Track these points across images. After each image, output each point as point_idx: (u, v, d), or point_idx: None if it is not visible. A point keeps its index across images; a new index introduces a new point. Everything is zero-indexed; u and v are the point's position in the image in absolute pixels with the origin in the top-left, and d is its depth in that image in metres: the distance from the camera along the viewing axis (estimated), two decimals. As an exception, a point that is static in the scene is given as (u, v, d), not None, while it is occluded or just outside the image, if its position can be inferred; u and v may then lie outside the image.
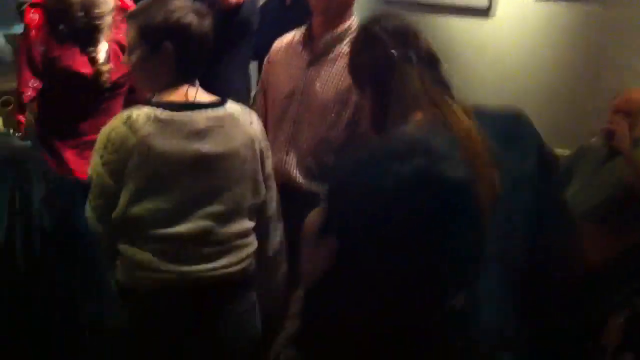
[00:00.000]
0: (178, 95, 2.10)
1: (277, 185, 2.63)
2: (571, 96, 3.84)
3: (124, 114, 2.04)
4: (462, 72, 4.26)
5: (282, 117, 2.65)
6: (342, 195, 0.93)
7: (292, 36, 2.75)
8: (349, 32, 2.58)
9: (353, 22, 2.61)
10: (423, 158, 0.88)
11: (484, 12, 4.08)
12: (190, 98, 2.11)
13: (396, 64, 1.79)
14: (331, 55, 2.59)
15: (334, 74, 2.56)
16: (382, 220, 0.85)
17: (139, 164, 2.00)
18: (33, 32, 2.90)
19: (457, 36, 4.14)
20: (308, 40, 2.64)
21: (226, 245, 2.15)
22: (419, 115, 1.72)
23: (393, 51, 1.78)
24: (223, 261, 2.14)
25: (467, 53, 4.10)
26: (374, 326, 0.88)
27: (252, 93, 3.83)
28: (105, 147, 2.01)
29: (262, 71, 2.82)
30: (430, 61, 1.81)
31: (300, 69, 2.62)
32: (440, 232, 0.84)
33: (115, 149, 2.00)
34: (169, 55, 2.06)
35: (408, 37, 1.82)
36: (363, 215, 0.87)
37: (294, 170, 2.62)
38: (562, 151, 2.95)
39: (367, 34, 1.91)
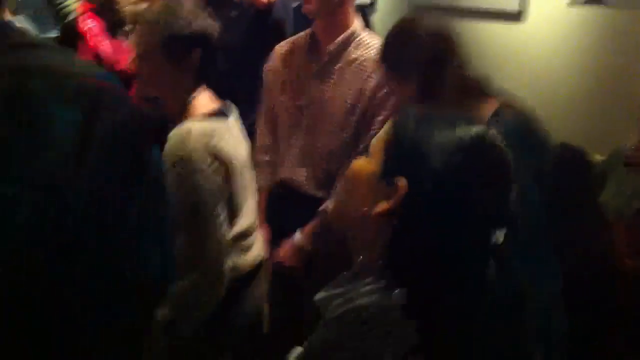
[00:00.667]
0: (214, 103, 2.13)
1: (288, 195, 2.66)
2: (604, 102, 3.79)
3: (197, 130, 1.98)
4: (493, 77, 4.23)
5: (293, 128, 2.64)
6: (404, 150, 1.14)
7: (293, 42, 2.72)
8: (353, 37, 2.57)
9: (356, 27, 2.59)
10: (479, 127, 1.15)
11: (516, 17, 4.05)
12: (219, 105, 2.15)
13: (447, 58, 2.00)
14: (338, 64, 2.57)
15: (343, 83, 2.54)
16: (442, 172, 1.10)
17: (226, 177, 2.04)
18: (92, 42, 2.94)
19: (488, 40, 4.12)
20: (313, 47, 2.62)
21: (255, 234, 2.28)
22: (485, 106, 1.99)
23: (446, 46, 2.01)
24: (258, 247, 2.29)
25: (498, 57, 4.07)
26: (427, 260, 1.11)
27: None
28: (202, 164, 1.97)
29: (264, 78, 2.79)
30: (467, 60, 2.07)
31: (308, 80, 2.61)
32: (490, 184, 1.12)
33: (211, 165, 1.98)
34: (194, 63, 2.04)
35: (452, 36, 2.06)
36: (423, 168, 1.11)
37: (306, 181, 2.61)
38: (594, 156, 2.92)
39: (415, 28, 2.07)
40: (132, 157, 1.07)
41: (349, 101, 2.53)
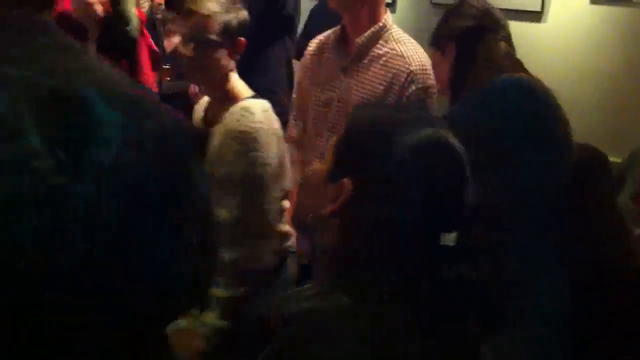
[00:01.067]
0: (247, 87, 2.30)
1: None
2: (625, 102, 3.77)
3: (258, 108, 2.20)
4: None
5: (319, 124, 2.62)
6: (352, 151, 1.17)
7: (326, 37, 2.69)
8: (383, 31, 2.52)
9: (387, 21, 2.54)
10: (432, 129, 1.15)
11: (537, 16, 4.03)
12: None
13: (484, 33, 2.11)
14: (365, 60, 2.52)
15: (370, 80, 2.50)
16: (388, 173, 1.11)
17: (278, 153, 2.23)
18: (149, 41, 3.26)
19: (509, 40, 4.10)
20: (343, 41, 2.59)
21: None
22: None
23: (483, 22, 2.13)
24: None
25: (519, 57, 4.06)
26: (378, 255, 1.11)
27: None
28: (268, 143, 2.17)
29: (298, 72, 2.80)
30: (509, 38, 2.21)
31: (336, 75, 2.57)
32: (439, 187, 1.12)
33: (274, 142, 2.19)
34: (239, 51, 2.25)
35: (494, 14, 2.18)
36: (371, 166, 1.13)
37: None
38: (614, 159, 2.90)
39: (462, 8, 2.19)
40: (177, 164, 1.08)
41: (374, 98, 2.47)
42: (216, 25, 2.18)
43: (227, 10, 2.21)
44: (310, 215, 1.20)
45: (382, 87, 2.48)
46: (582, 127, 3.81)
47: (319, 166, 1.24)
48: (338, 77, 2.58)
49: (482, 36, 2.12)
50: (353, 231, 1.12)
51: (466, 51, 2.11)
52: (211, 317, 2.13)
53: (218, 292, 2.13)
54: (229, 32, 2.20)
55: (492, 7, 2.21)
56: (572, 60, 3.92)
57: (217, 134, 2.20)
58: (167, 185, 1.05)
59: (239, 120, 2.15)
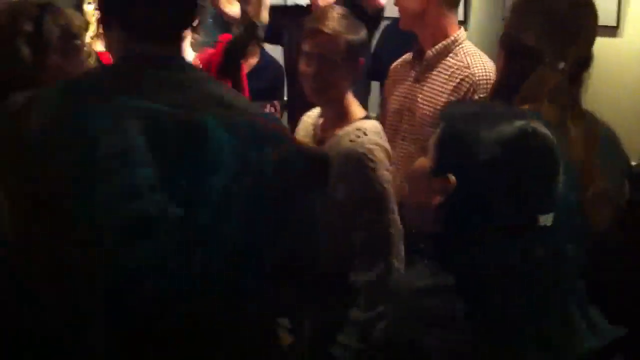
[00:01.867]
0: (361, 107, 2.37)
1: None
2: None
3: (372, 128, 2.26)
4: (589, 92, 4.15)
5: (392, 133, 2.67)
6: (455, 143, 1.24)
7: (409, 54, 2.77)
8: (454, 45, 2.58)
9: (459, 36, 2.60)
10: (524, 121, 1.22)
11: (613, 31, 3.98)
12: None
13: (537, 55, 1.80)
14: (435, 70, 2.59)
15: (436, 90, 2.55)
16: (485, 165, 1.18)
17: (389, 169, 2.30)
18: None
19: (584, 55, 4.05)
20: (417, 56, 2.66)
21: None
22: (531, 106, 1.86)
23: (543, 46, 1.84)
24: None
25: (594, 73, 4.00)
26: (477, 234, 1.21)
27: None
28: (383, 161, 2.22)
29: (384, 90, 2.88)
30: (577, 76, 1.98)
31: (409, 86, 2.65)
32: (533, 173, 1.20)
33: (386, 160, 2.25)
34: (359, 70, 2.30)
35: (569, 22, 1.95)
36: (472, 161, 1.20)
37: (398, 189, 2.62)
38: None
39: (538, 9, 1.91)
40: (286, 192, 1.16)
41: (437, 108, 2.50)
42: (341, 45, 2.23)
43: (351, 31, 2.25)
44: (415, 208, 1.31)
45: (446, 97, 2.52)
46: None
47: (421, 161, 1.32)
48: (411, 88, 2.65)
49: (530, 62, 1.80)
50: (456, 220, 1.21)
51: (506, 61, 1.88)
52: (348, 340, 2.14)
53: (356, 314, 2.14)
54: (352, 52, 2.25)
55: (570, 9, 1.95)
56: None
57: (328, 152, 2.23)
58: (280, 210, 1.12)
59: (353, 141, 2.20)
